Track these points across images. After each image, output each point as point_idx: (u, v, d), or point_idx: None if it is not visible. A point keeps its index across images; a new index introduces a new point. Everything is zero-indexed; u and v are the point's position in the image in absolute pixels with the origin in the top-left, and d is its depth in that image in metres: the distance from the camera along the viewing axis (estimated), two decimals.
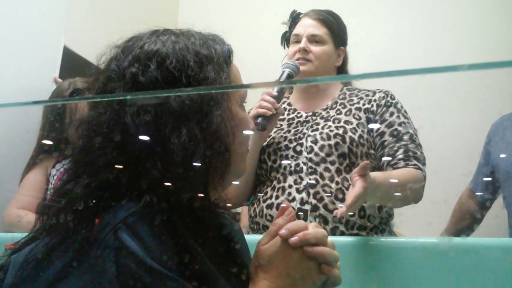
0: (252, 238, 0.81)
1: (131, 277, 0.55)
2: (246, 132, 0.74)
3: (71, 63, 2.37)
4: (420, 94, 2.19)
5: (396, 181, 1.29)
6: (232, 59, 0.75)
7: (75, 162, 0.68)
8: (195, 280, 0.59)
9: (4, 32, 1.97)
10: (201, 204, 0.65)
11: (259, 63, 2.39)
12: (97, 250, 0.56)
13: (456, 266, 1.03)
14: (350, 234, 1.30)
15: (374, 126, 1.41)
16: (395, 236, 1.40)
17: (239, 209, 2.34)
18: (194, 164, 0.63)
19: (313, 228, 0.69)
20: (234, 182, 0.75)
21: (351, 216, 1.30)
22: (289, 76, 1.42)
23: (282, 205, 0.73)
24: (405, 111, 1.44)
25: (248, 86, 0.84)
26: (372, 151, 1.40)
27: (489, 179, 1.86)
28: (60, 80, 2.18)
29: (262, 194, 1.41)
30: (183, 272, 0.58)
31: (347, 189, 1.29)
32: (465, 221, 1.90)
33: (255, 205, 1.42)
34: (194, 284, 0.59)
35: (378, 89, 1.49)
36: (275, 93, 1.38)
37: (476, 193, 1.92)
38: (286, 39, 1.64)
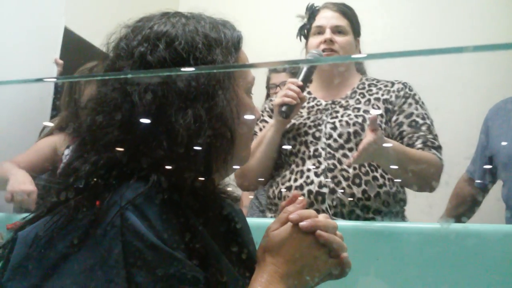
0: (254, 221, 0.82)
1: (137, 255, 0.56)
2: (250, 119, 0.74)
3: (72, 44, 2.35)
4: (424, 76, 2.18)
5: (410, 151, 1.36)
6: (241, 45, 0.75)
7: (82, 139, 0.68)
8: (199, 260, 0.60)
9: (4, 13, 1.96)
10: (205, 186, 0.66)
11: (260, 50, 2.38)
12: (104, 229, 0.57)
13: (455, 252, 1.04)
14: (366, 218, 1.34)
15: (393, 116, 1.46)
16: (407, 221, 1.44)
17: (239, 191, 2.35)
18: (199, 145, 0.64)
19: (324, 218, 0.70)
20: (235, 167, 0.75)
21: (367, 200, 1.34)
22: (314, 66, 1.46)
23: (294, 192, 0.73)
24: (422, 102, 1.49)
25: (250, 66, 0.83)
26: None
27: (488, 166, 1.85)
28: (61, 61, 2.17)
29: (280, 177, 1.46)
30: (188, 252, 0.59)
31: (365, 174, 1.37)
32: (462, 207, 1.90)
33: (274, 187, 1.47)
34: (198, 263, 0.60)
35: (396, 80, 1.53)
36: (300, 83, 1.42)
37: (475, 180, 1.92)
38: (305, 32, 1.65)
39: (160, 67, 0.66)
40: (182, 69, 0.66)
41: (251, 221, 0.83)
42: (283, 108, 1.40)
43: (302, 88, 1.42)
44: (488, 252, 1.02)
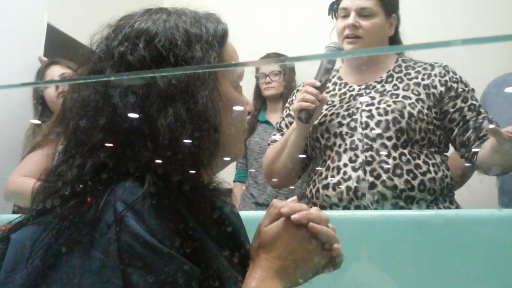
0: (247, 214, 0.82)
1: (132, 255, 0.55)
2: (238, 112, 0.73)
3: (56, 41, 2.32)
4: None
5: None
6: (227, 38, 0.73)
7: (68, 143, 0.68)
8: (196, 258, 0.60)
9: None
10: (194, 184, 0.65)
11: (251, 42, 2.38)
12: (100, 230, 0.57)
13: (447, 238, 1.05)
14: (410, 209, 1.29)
15: (445, 101, 1.39)
16: (457, 205, 1.38)
17: (230, 186, 2.35)
18: (182, 144, 0.63)
19: (316, 211, 0.70)
20: (226, 159, 0.74)
21: (410, 190, 1.29)
22: (332, 60, 1.38)
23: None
24: (467, 82, 1.44)
25: (243, 64, 0.82)
26: (431, 127, 1.37)
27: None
28: (45, 58, 2.14)
29: (317, 175, 1.41)
30: (184, 251, 0.59)
31: (405, 164, 1.30)
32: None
33: (311, 186, 1.42)
34: (195, 262, 0.60)
35: (435, 63, 1.45)
36: (318, 84, 1.34)
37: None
38: (333, 11, 1.56)
39: (140, 67, 0.65)
40: (175, 68, 0.65)
41: (244, 214, 0.83)
42: (302, 114, 1.33)
43: (321, 89, 1.35)
44: (481, 237, 1.03)
